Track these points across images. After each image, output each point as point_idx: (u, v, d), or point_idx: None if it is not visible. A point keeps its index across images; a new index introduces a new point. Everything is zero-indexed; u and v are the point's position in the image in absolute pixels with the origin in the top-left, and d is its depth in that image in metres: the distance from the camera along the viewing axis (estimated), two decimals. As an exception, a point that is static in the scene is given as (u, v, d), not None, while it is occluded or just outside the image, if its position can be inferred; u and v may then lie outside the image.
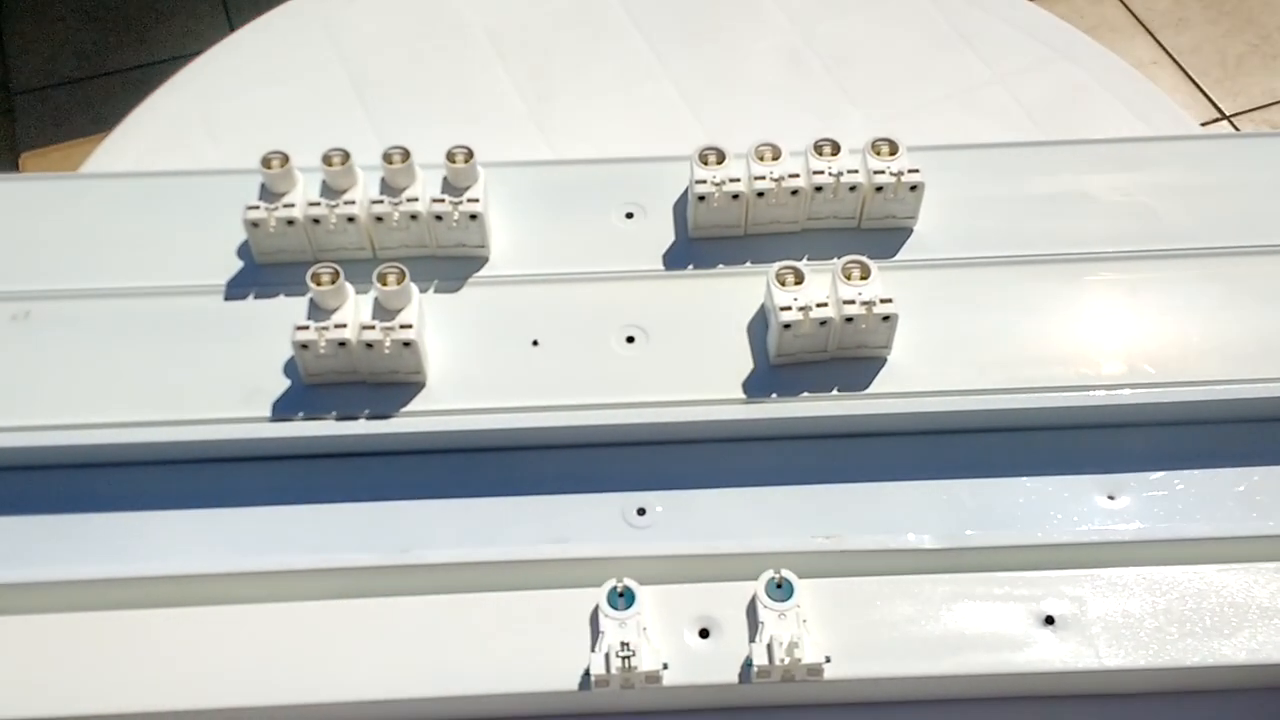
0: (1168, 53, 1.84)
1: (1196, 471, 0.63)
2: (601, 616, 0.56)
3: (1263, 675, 0.57)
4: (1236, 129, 1.73)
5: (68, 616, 0.57)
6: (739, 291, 0.68)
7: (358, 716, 0.56)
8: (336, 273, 0.63)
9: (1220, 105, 1.77)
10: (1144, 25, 1.88)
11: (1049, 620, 0.57)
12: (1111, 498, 0.63)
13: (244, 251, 0.69)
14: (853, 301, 0.63)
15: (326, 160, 0.68)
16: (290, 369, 0.65)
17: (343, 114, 0.84)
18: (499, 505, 0.62)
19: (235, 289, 0.68)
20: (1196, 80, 1.81)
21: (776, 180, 0.68)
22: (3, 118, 1.69)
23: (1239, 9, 1.88)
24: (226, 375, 0.65)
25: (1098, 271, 0.69)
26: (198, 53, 0.90)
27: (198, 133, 0.83)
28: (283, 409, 0.63)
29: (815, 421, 0.64)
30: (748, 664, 0.55)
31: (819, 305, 0.63)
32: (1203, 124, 1.75)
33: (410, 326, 0.62)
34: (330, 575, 0.58)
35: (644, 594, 0.56)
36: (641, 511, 0.62)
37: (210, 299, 0.68)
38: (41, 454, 0.62)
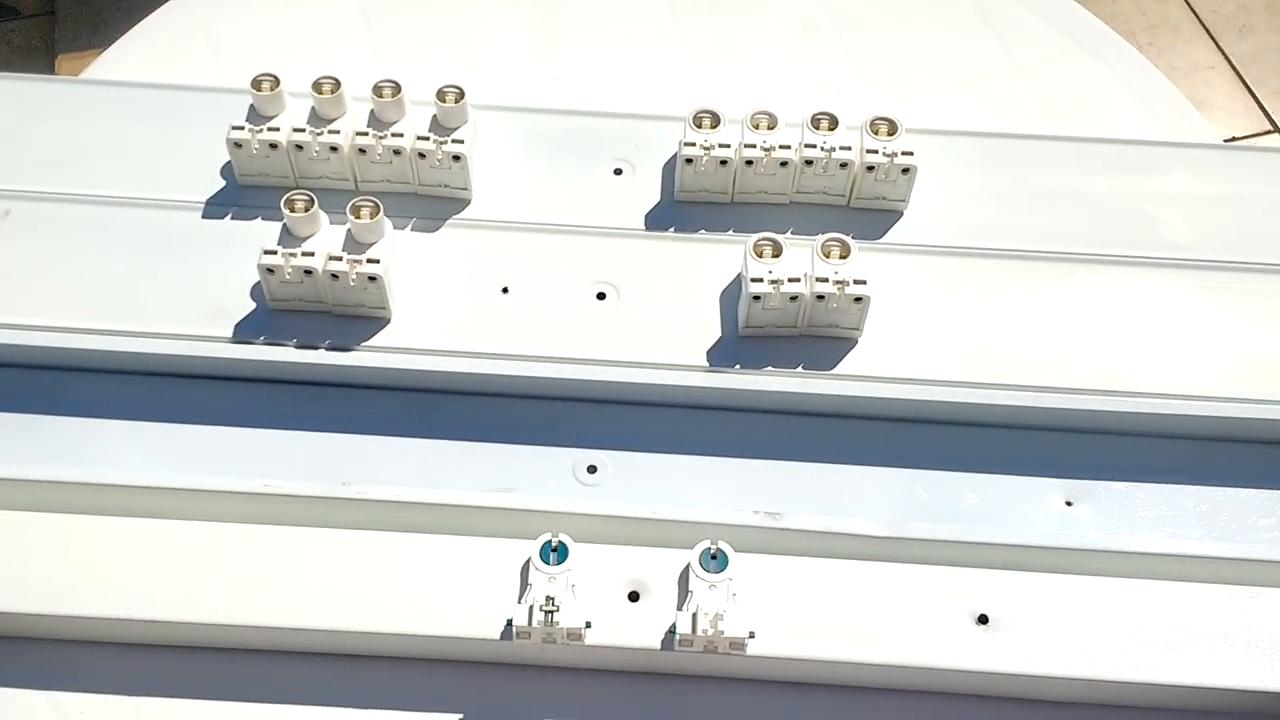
0: (1227, 58, 1.79)
1: (1161, 486, 0.62)
2: (532, 569, 0.55)
3: (1193, 697, 0.56)
4: (1287, 143, 1.69)
5: (7, 515, 0.58)
6: (718, 258, 0.68)
7: (280, 642, 0.56)
8: (311, 200, 0.63)
9: (1275, 117, 1.72)
10: (1206, 28, 1.83)
11: (982, 619, 0.57)
12: (1070, 503, 0.62)
13: (228, 171, 0.69)
14: (826, 280, 0.62)
15: (316, 87, 0.67)
16: (257, 292, 0.65)
17: (348, 43, 0.83)
18: (451, 448, 0.62)
19: (214, 207, 0.68)
20: (1253, 89, 1.76)
21: (767, 150, 0.67)
22: (45, 19, 1.70)
23: (1305, 20, 1.82)
24: (194, 292, 0.65)
25: (1085, 273, 0.68)
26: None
27: (201, 49, 0.82)
28: (244, 331, 0.64)
29: (776, 396, 0.63)
30: (672, 631, 0.55)
31: (791, 280, 0.62)
32: (1253, 135, 1.71)
33: (378, 261, 0.62)
34: (269, 500, 0.58)
35: (578, 551, 0.56)
36: (593, 469, 0.62)
37: (188, 215, 0.68)
38: (2, 351, 0.62)
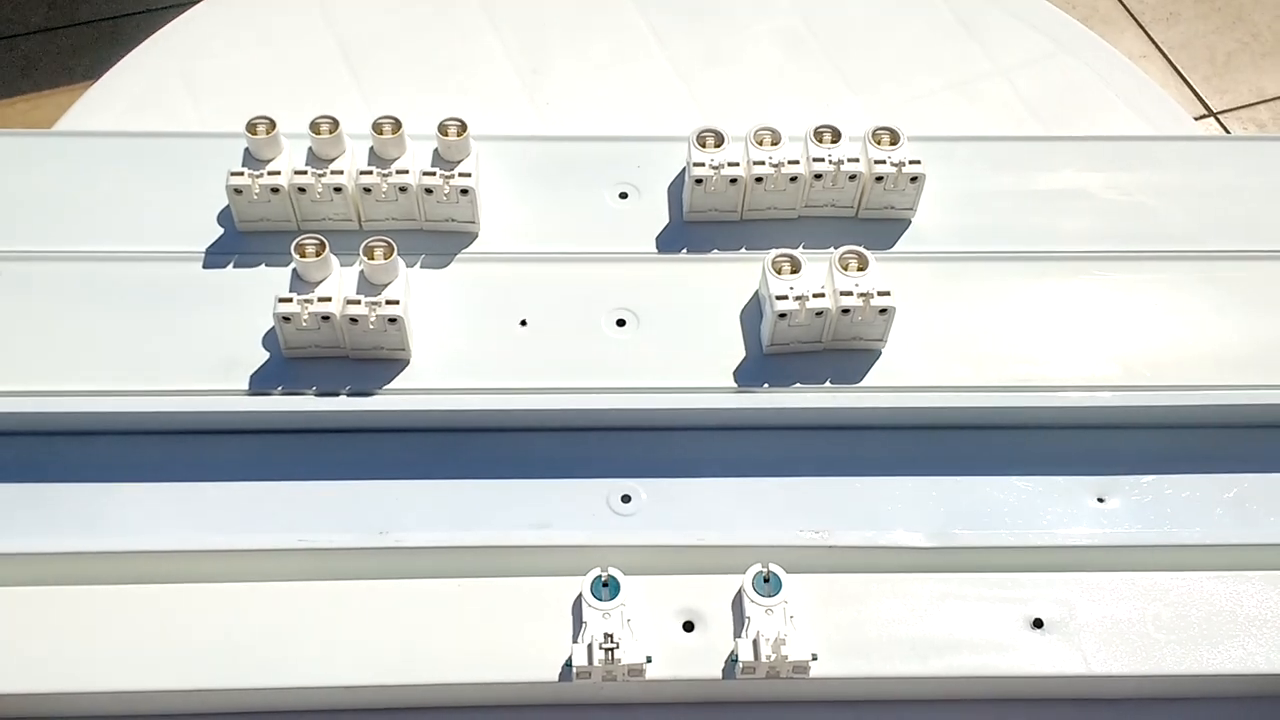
0: (1158, 47, 1.83)
1: (1187, 476, 0.63)
2: (585, 606, 0.54)
3: (1249, 685, 0.56)
4: (1224, 126, 1.73)
5: (31, 590, 0.55)
6: (733, 277, 0.67)
7: (330, 702, 0.55)
8: (322, 244, 0.61)
9: (1208, 102, 1.77)
10: (1135, 18, 1.87)
11: (1038, 623, 0.57)
12: (1102, 500, 0.62)
13: (225, 218, 0.67)
14: (850, 293, 0.62)
15: (314, 128, 0.66)
16: (270, 341, 0.63)
17: (330, 81, 0.82)
18: (481, 488, 0.61)
19: (215, 256, 0.66)
20: (1185, 76, 1.80)
21: (775, 166, 0.67)
22: (-30, 67, 1.65)
23: (1229, 5, 1.87)
24: (204, 345, 0.63)
25: (1096, 270, 0.68)
26: (173, 6, 0.87)
27: (179, 93, 0.80)
28: (260, 382, 0.62)
29: (807, 413, 0.63)
30: (733, 659, 0.54)
31: (815, 295, 0.62)
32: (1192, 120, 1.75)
33: (397, 302, 0.61)
34: (305, 556, 0.56)
35: (628, 584, 0.55)
36: (626, 499, 0.61)
37: (189, 266, 0.66)
38: (9, 420, 0.60)
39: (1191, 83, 1.80)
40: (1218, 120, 1.76)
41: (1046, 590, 0.58)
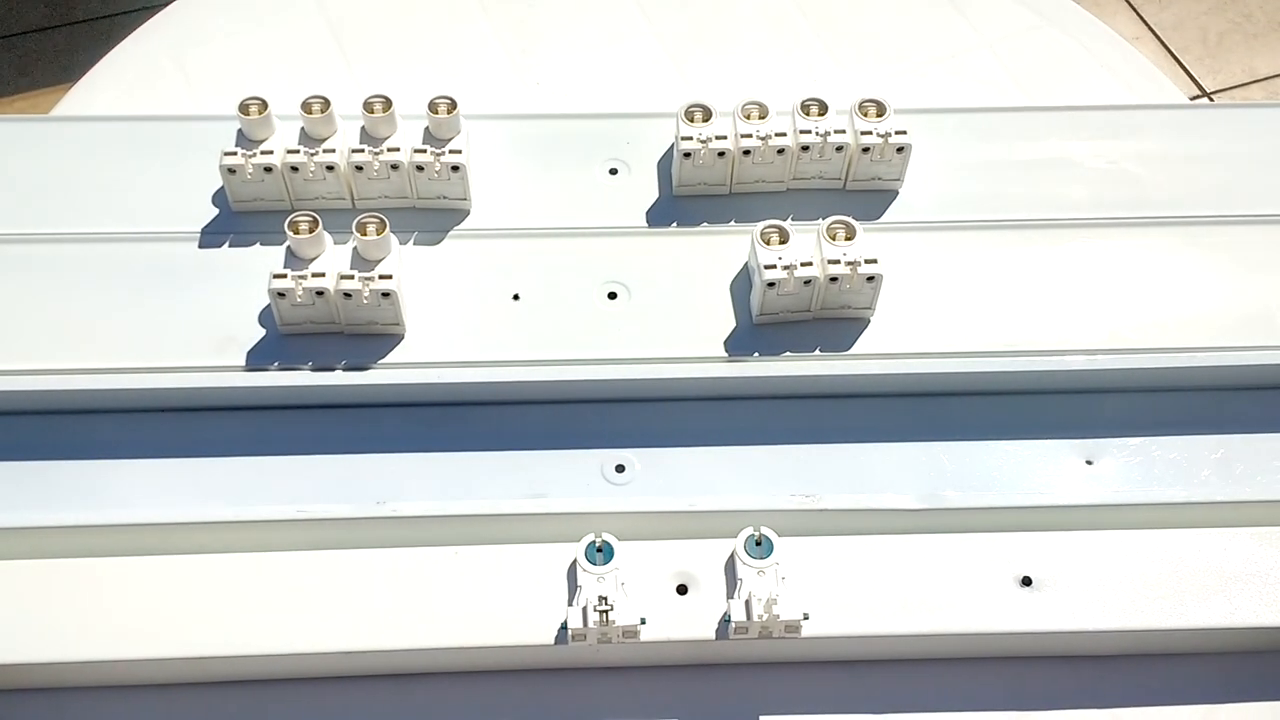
0: (1150, 28, 1.84)
1: (1174, 438, 0.63)
2: (579, 571, 0.55)
3: (1236, 639, 0.57)
4: (1216, 106, 1.73)
5: (32, 564, 0.56)
6: (723, 250, 0.68)
7: (330, 668, 0.56)
8: (315, 221, 0.62)
9: (1201, 82, 1.77)
10: (1128, 0, 1.88)
11: (1026, 581, 0.57)
12: (1090, 462, 0.63)
13: (219, 198, 0.68)
14: (838, 261, 0.63)
15: (306, 107, 0.66)
16: (265, 318, 0.64)
17: (321, 63, 0.82)
18: (477, 460, 0.61)
19: (210, 236, 0.67)
20: (1178, 56, 1.81)
21: (763, 139, 0.68)
22: (-33, 66, 1.66)
23: (1221, -14, 1.88)
24: (200, 323, 0.64)
25: (1081, 238, 0.69)
26: (169, 2, 0.88)
27: (172, 78, 0.81)
28: (257, 358, 0.62)
29: (797, 381, 0.63)
30: (726, 620, 0.55)
31: (803, 264, 0.63)
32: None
33: (390, 277, 0.62)
34: (304, 526, 0.57)
35: (622, 550, 0.56)
36: (620, 468, 0.61)
37: (184, 245, 0.67)
38: (8, 399, 0.60)
39: (1184, 63, 1.80)
40: (1210, 100, 1.76)
41: (1035, 549, 0.58)
